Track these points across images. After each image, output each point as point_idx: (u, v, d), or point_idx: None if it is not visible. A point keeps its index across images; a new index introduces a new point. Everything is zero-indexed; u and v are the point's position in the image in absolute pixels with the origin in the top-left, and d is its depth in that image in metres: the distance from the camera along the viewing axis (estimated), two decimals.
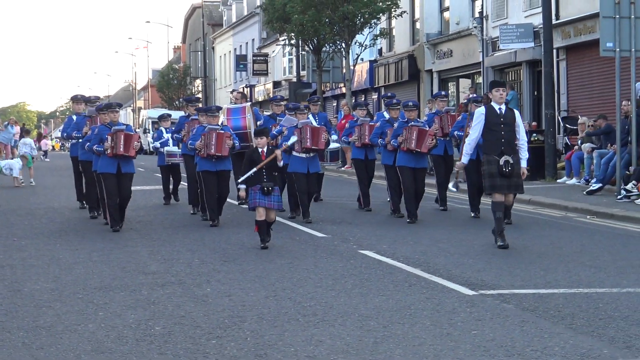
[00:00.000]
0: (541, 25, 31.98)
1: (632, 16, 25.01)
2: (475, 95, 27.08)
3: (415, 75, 49.37)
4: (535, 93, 37.53)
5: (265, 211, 16.44)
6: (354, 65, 49.35)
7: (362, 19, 45.43)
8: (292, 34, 48.57)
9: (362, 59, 50.87)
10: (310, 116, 22.25)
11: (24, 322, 11.13)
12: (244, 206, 19.83)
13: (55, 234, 19.48)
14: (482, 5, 42.94)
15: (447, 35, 46.69)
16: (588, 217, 21.53)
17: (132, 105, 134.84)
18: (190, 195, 22.92)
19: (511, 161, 15.90)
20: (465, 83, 45.32)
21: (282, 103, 24.77)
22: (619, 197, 23.95)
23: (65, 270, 15.11)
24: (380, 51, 53.32)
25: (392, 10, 46.76)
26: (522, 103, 38.34)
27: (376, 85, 53.72)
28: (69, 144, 25.12)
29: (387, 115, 22.59)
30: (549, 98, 31.03)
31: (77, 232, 19.91)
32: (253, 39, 78.47)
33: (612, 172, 25.60)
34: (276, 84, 69.74)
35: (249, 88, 74.01)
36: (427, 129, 20.64)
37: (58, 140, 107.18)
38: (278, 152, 16.59)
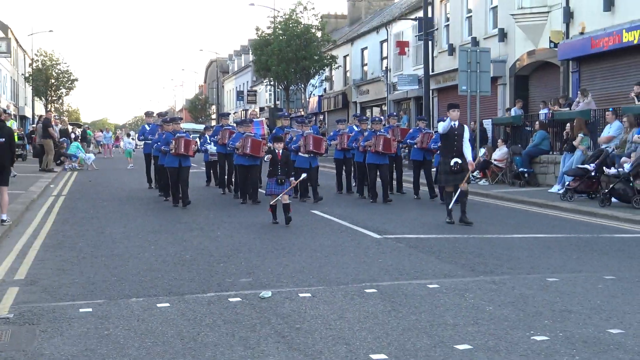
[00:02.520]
0: (423, 75, 32.09)
1: (478, 70, 25.23)
2: (421, 116, 25.16)
3: (346, 105, 49.30)
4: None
5: (280, 197, 14.23)
6: (309, 98, 49.60)
7: (314, 70, 45.85)
8: (271, 79, 48.79)
9: (314, 94, 51.06)
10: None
11: (105, 252, 11.12)
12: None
13: (124, 199, 19.35)
14: (387, 62, 43.02)
15: (365, 80, 46.69)
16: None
17: None
18: (231, 182, 21.14)
19: (460, 162, 14.48)
20: (376, 110, 45.40)
21: (288, 118, 22.70)
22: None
23: (130, 220, 15.04)
24: (325, 89, 53.33)
25: (333, 64, 47.21)
26: (410, 124, 38.36)
27: (323, 110, 53.77)
28: (143, 143, 23.60)
29: (356, 128, 20.50)
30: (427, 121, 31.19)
31: (139, 198, 19.78)
32: (247, 81, 78.14)
33: None
34: (261, 109, 69.49)
35: (245, 111, 73.94)
36: (390, 137, 18.85)
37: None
38: (292, 185, 14.68)
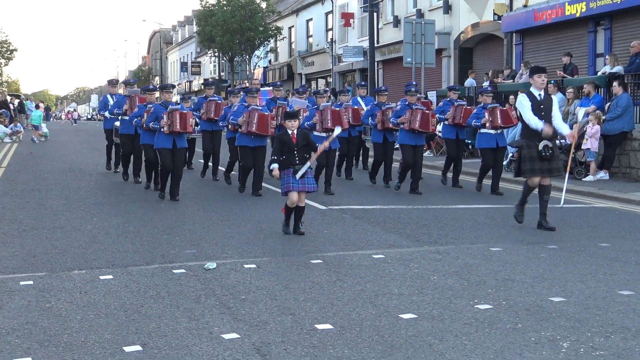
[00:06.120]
0: (368, 47, 32.06)
1: (422, 42, 25.35)
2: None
3: (291, 77, 49.09)
4: None
5: (298, 195, 10.26)
6: (254, 70, 49.26)
7: (259, 41, 45.68)
8: (216, 50, 48.40)
9: (259, 65, 50.62)
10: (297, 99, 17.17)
11: (47, 224, 10.93)
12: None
13: (66, 171, 18.93)
14: (332, 34, 42.87)
15: (311, 52, 46.48)
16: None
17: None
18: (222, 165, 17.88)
19: (550, 145, 10.79)
20: (321, 82, 45.36)
21: (281, 88, 19.25)
22: None
23: (72, 192, 14.76)
24: (270, 61, 52.98)
25: (278, 36, 46.98)
26: (356, 95, 38.45)
27: (267, 82, 53.42)
28: (103, 117, 18.94)
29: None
30: (372, 92, 31.19)
31: (81, 170, 19.35)
32: (192, 52, 77.26)
33: None
34: (205, 80, 68.80)
35: (189, 83, 73.33)
36: (429, 112, 15.47)
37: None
38: (322, 147, 10.56)
